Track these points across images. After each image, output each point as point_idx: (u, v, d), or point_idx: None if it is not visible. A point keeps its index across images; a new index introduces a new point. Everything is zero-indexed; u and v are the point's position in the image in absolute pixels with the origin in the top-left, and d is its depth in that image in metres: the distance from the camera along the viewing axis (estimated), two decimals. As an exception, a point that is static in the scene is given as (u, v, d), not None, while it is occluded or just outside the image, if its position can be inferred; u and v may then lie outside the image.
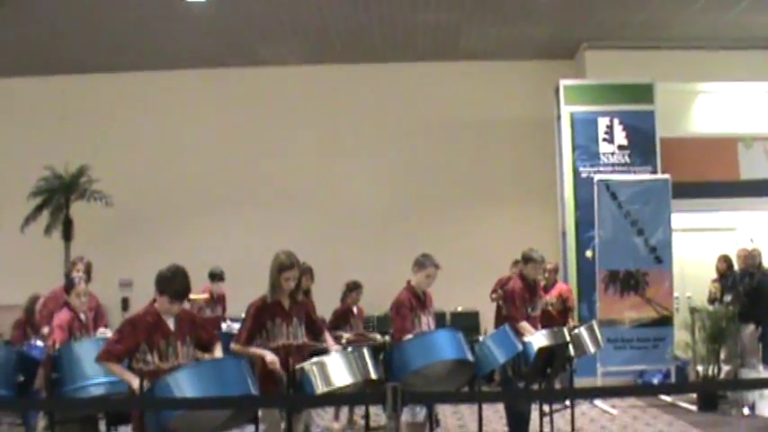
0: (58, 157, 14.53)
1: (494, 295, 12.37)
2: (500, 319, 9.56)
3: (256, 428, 5.64)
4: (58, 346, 7.10)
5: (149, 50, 15.09)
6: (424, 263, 7.47)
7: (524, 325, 8.26)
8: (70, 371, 6.67)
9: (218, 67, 15.89)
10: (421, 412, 7.25)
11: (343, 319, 10.28)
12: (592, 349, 9.04)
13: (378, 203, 15.72)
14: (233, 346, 6.23)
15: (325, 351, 6.48)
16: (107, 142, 15.78)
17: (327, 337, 6.72)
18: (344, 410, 10.28)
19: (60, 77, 15.97)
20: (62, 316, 7.57)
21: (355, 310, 10.42)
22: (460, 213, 15.57)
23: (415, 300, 7.43)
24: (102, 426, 7.58)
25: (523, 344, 7.77)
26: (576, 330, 8.93)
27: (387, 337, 8.33)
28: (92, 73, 15.90)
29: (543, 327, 8.56)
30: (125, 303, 15.21)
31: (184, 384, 5.12)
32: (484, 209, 15.64)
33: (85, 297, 7.79)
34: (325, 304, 10.61)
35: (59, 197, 14.46)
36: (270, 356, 5.96)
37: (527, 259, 8.63)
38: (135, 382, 5.35)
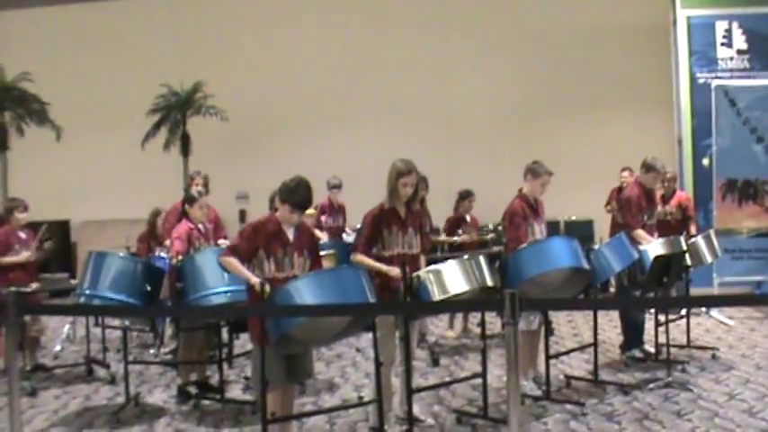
0: (175, 75, 14.86)
1: (608, 207, 12.23)
2: (616, 230, 9.44)
3: (374, 336, 5.76)
4: (179, 257, 7.33)
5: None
6: (537, 170, 7.41)
7: (640, 233, 8.19)
8: (193, 280, 6.89)
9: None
10: (535, 320, 7.30)
11: (456, 227, 10.35)
12: (709, 259, 8.91)
13: (490, 112, 15.64)
14: (353, 257, 6.28)
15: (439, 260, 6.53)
16: (220, 58, 16.03)
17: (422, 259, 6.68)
18: (459, 318, 10.43)
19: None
20: (181, 228, 7.76)
21: (468, 218, 10.46)
22: (574, 121, 15.39)
23: (529, 208, 7.38)
24: (225, 333, 7.90)
25: (640, 252, 7.71)
26: (694, 239, 8.81)
27: (500, 248, 8.33)
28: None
29: (661, 236, 8.48)
30: (242, 215, 15.60)
31: (305, 292, 5.23)
32: (598, 116, 15.41)
33: (205, 209, 7.99)
34: (440, 213, 10.73)
35: (176, 113, 14.83)
36: (395, 271, 6.01)
37: (649, 168, 8.48)
38: (253, 279, 5.48)
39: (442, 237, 10.25)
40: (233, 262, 5.63)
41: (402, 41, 15.89)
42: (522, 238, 7.24)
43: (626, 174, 11.77)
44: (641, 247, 7.82)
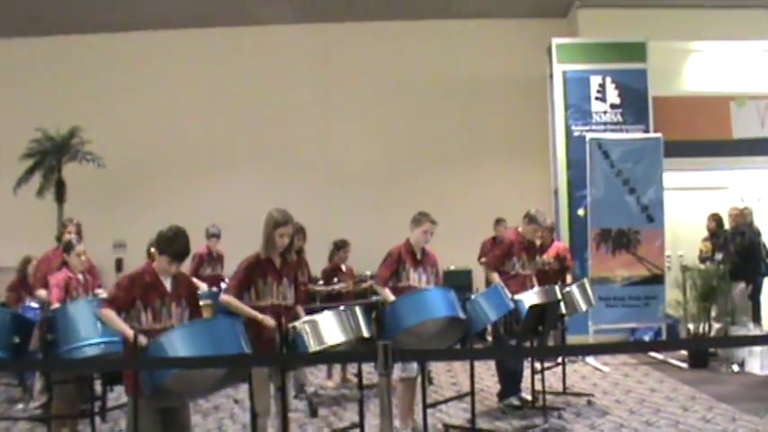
0: (50, 119, 14.50)
1: (482, 259, 12.43)
2: (489, 282, 9.64)
3: (250, 387, 5.68)
4: (56, 305, 7.14)
5: (140, 10, 14.99)
6: (420, 219, 7.57)
7: (495, 276, 8.49)
8: (65, 332, 6.67)
9: (210, 27, 15.82)
10: (414, 368, 7.32)
11: (332, 276, 10.35)
12: (583, 307, 9.12)
13: (372, 163, 15.74)
14: (223, 296, 6.23)
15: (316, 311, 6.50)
16: (98, 103, 15.73)
17: (299, 309, 6.65)
18: (338, 369, 10.39)
19: (51, 38, 15.90)
20: (60, 276, 7.61)
21: (344, 268, 10.48)
22: (453, 172, 15.60)
23: (409, 255, 7.51)
24: (98, 385, 7.67)
25: (515, 302, 7.83)
26: (568, 288, 9.00)
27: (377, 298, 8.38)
28: (83, 33, 15.84)
29: (539, 285, 8.65)
30: (119, 264, 15.23)
31: (178, 344, 5.15)
32: (476, 167, 15.67)
33: (83, 257, 7.82)
34: (319, 263, 10.70)
35: (51, 159, 14.46)
36: (269, 320, 5.96)
37: (531, 219, 8.69)
38: (128, 332, 5.34)
39: (320, 286, 10.20)
40: (110, 315, 5.48)
41: (283, 90, 15.89)
42: (385, 277, 7.41)
43: (501, 227, 12.06)
44: (517, 297, 7.94)
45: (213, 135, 15.84)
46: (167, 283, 5.67)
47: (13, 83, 15.91)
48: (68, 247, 7.81)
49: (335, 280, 10.24)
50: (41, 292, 8.26)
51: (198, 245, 11.15)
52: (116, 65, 15.97)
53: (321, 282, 10.37)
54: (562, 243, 12.17)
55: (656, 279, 12.15)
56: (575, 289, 9.02)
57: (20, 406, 9.12)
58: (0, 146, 15.08)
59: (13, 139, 14.49)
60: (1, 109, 15.75)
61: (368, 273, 11.18)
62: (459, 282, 13.04)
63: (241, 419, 8.44)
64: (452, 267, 14.37)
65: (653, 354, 11.64)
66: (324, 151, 15.82)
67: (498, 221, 12.90)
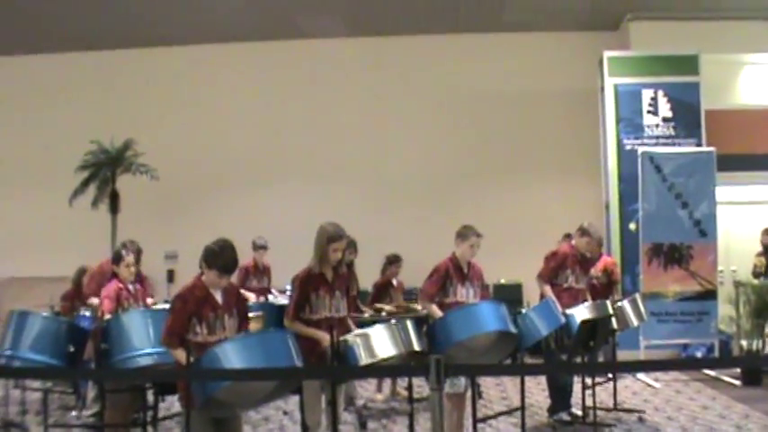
0: (105, 132, 14.72)
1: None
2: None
3: (301, 399, 5.71)
4: (107, 316, 7.23)
5: (193, 24, 15.18)
6: (465, 234, 7.52)
7: (548, 289, 8.47)
8: (119, 341, 6.76)
9: (261, 41, 15.96)
10: (461, 383, 7.30)
11: (383, 291, 10.37)
12: (635, 322, 9.04)
13: (421, 176, 15.74)
14: (286, 323, 6.27)
15: (368, 324, 6.53)
16: (152, 116, 15.96)
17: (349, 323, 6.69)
18: (387, 382, 10.38)
19: (106, 53, 16.18)
20: (111, 287, 7.70)
21: (395, 282, 10.50)
22: (504, 186, 15.57)
23: (455, 270, 7.47)
24: (150, 395, 7.75)
25: (566, 316, 7.79)
26: (620, 303, 8.93)
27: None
28: (137, 47, 16.11)
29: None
30: (170, 275, 15.41)
31: (231, 355, 5.19)
32: (527, 181, 15.60)
33: (132, 268, 7.91)
34: (369, 277, 10.73)
35: (106, 171, 14.65)
36: (326, 341, 5.99)
37: (583, 232, 8.71)
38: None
39: (367, 312, 10.03)
40: (178, 355, 5.50)
41: (333, 103, 15.98)
42: (431, 293, 7.38)
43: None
44: (568, 311, 7.90)
45: (263, 147, 15.97)
46: (218, 296, 5.72)
47: (70, 97, 16.21)
48: (118, 259, 7.91)
49: (386, 296, 10.26)
50: (95, 301, 8.37)
51: (248, 256, 11.26)
52: (169, 78, 16.19)
53: (371, 297, 10.39)
54: (610, 257, 12.09)
55: (709, 294, 12.01)
56: (626, 304, 8.95)
57: (73, 413, 9.23)
58: (56, 158, 15.34)
59: (69, 151, 14.72)
60: (58, 122, 16.06)
61: (418, 287, 11.17)
62: (509, 295, 12.99)
63: (291, 431, 8.48)
64: (503, 281, 14.34)
65: (705, 370, 11.49)
66: (373, 164, 15.86)
67: (566, 236, 12.81)
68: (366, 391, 10.49)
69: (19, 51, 16.20)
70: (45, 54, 16.25)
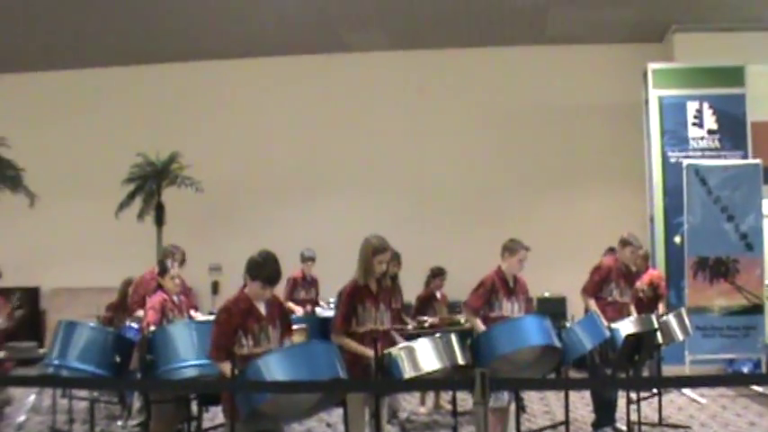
0: (151, 144, 14.87)
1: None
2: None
3: (345, 412, 5.73)
4: (151, 327, 7.32)
5: (238, 38, 15.29)
6: (513, 248, 7.51)
7: (592, 303, 8.43)
8: (164, 353, 6.84)
9: (305, 54, 16.04)
10: (504, 397, 7.27)
11: (426, 304, 10.37)
12: (680, 337, 8.97)
13: (464, 189, 15.70)
14: (334, 339, 6.29)
15: (411, 337, 6.55)
16: (197, 129, 16.09)
17: (394, 334, 6.72)
18: (431, 395, 10.37)
19: (152, 66, 16.35)
20: (156, 298, 7.80)
21: (438, 295, 10.50)
22: (548, 199, 15.49)
23: (501, 283, 7.46)
24: (194, 406, 7.81)
25: (611, 330, 7.74)
26: (665, 318, 8.87)
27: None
28: (183, 62, 16.26)
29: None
30: (215, 287, 15.51)
31: (275, 367, 5.22)
32: (571, 194, 15.50)
33: (177, 279, 8.01)
34: (412, 290, 10.73)
35: (151, 183, 14.79)
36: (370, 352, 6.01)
37: (624, 242, 8.66)
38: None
39: (411, 325, 10.01)
40: (226, 369, 5.48)
41: (377, 116, 16.01)
42: (476, 307, 7.36)
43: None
44: (613, 326, 7.86)
45: (307, 160, 16.04)
46: (262, 308, 5.75)
47: (116, 110, 16.41)
48: (163, 270, 8.02)
49: (429, 309, 10.26)
50: (141, 312, 8.46)
51: (292, 268, 11.32)
52: (213, 91, 16.32)
53: (414, 309, 10.40)
54: (656, 271, 11.99)
55: (756, 309, 11.86)
56: (671, 318, 8.88)
57: (119, 423, 9.33)
58: (103, 171, 15.52)
59: (115, 164, 14.89)
60: (104, 135, 16.27)
61: (462, 300, 11.15)
62: (553, 309, 12.88)
63: (334, 443, 8.51)
64: (546, 294, 14.25)
65: (753, 386, 11.34)
66: (416, 177, 15.86)
67: (610, 250, 12.73)
68: (409, 404, 10.49)
69: (67, 66, 16.43)
70: (93, 68, 16.45)
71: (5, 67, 16.54)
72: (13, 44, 15.30)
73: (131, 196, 14.77)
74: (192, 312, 8.39)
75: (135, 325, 8.57)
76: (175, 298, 7.96)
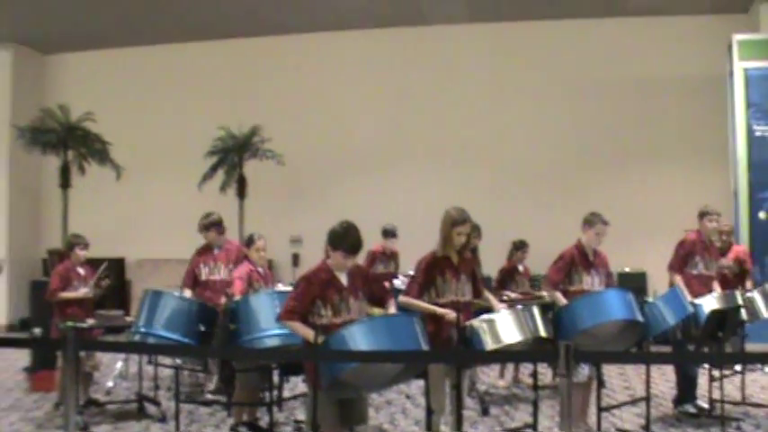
0: (233, 118, 15.05)
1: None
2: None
3: (426, 384, 5.77)
4: (238, 296, 7.50)
5: (316, 12, 15.36)
6: (592, 220, 7.48)
7: (678, 278, 8.39)
8: (247, 322, 6.97)
9: (385, 27, 16.06)
10: (584, 372, 7.25)
11: (508, 277, 10.35)
12: (765, 314, 8.80)
13: (545, 162, 15.57)
14: (402, 298, 6.35)
15: (490, 309, 6.56)
16: (278, 103, 16.24)
17: (489, 296, 6.77)
18: (510, 368, 10.39)
19: (234, 41, 16.54)
20: (243, 268, 8.06)
21: (521, 268, 10.47)
22: (628, 172, 15.28)
23: (581, 257, 7.44)
24: (276, 375, 7.95)
25: (695, 306, 7.66)
26: (750, 294, 8.70)
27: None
28: (263, 36, 16.39)
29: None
30: (295, 259, 15.67)
31: (358, 338, 5.27)
32: (652, 168, 15.26)
33: (263, 252, 8.23)
34: (492, 262, 10.73)
35: (233, 156, 14.97)
36: (450, 313, 6.06)
37: (702, 214, 8.60)
38: (311, 337, 5.52)
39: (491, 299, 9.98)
40: (293, 325, 5.65)
41: (456, 89, 15.95)
42: (555, 281, 7.37)
43: None
44: (696, 301, 7.77)
45: (387, 133, 16.08)
46: (343, 278, 5.80)
47: (199, 84, 16.66)
48: (250, 242, 8.27)
49: (511, 282, 10.27)
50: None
51: (372, 241, 11.40)
52: (294, 65, 16.44)
53: (496, 282, 10.40)
54: (742, 246, 11.77)
55: (844, 285, 11.58)
56: (757, 295, 8.70)
57: (206, 390, 9.51)
58: (186, 144, 15.78)
59: (198, 137, 15.10)
60: (187, 109, 16.54)
61: (542, 274, 11.13)
62: (633, 284, 12.72)
63: (413, 415, 8.57)
64: (627, 269, 14.10)
65: (840, 364, 11.11)
66: (497, 150, 15.77)
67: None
68: (488, 377, 10.52)
69: (151, 42, 16.72)
70: (177, 43, 16.71)
71: (91, 44, 16.94)
72: (97, 22, 15.62)
73: (214, 169, 14.97)
74: (277, 284, 8.58)
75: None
76: (260, 269, 8.19)
